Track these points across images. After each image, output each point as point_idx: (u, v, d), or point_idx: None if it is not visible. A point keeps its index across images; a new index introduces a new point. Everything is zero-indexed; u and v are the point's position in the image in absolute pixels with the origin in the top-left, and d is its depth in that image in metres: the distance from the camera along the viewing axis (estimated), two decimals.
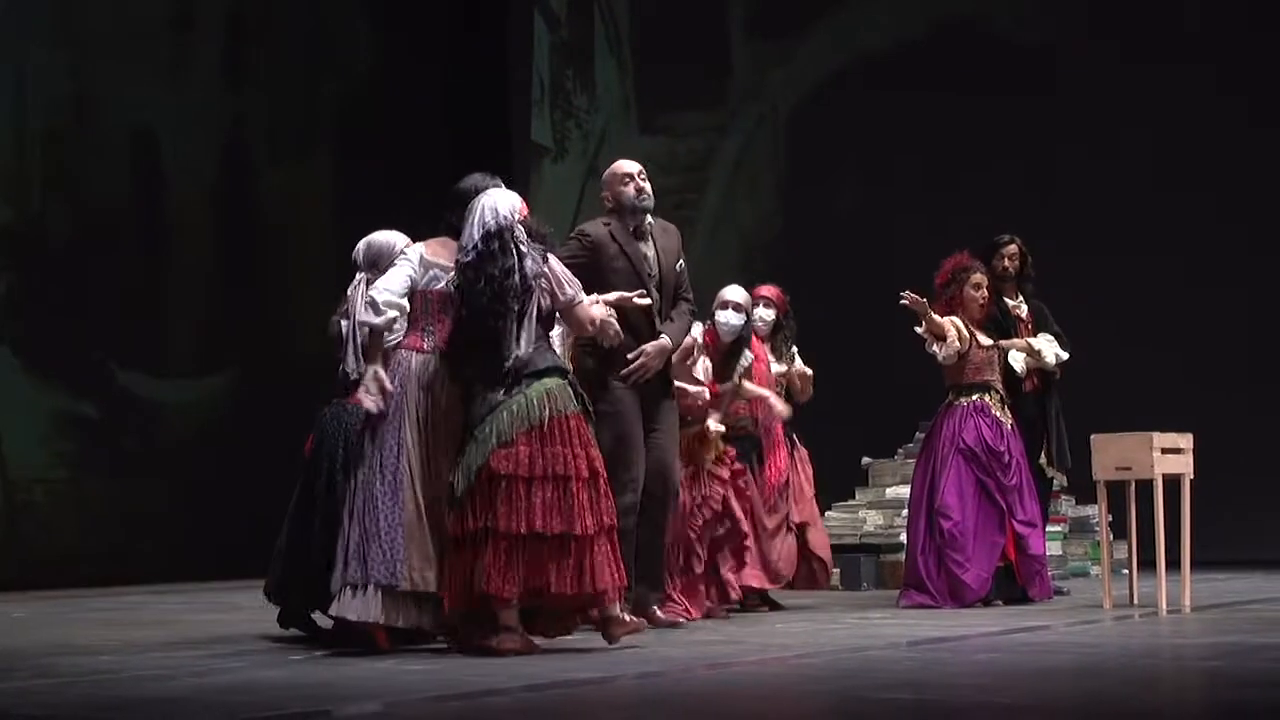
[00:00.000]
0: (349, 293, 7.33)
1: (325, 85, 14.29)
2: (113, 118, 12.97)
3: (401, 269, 6.88)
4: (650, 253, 7.86)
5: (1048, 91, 13.50)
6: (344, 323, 7.31)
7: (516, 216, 6.72)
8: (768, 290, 9.43)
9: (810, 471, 9.62)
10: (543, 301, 6.69)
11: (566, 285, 6.79)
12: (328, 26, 14.33)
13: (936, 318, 8.95)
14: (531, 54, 14.88)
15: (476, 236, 6.66)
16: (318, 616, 7.25)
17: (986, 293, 9.19)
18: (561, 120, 14.78)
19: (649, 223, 7.92)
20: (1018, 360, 9.40)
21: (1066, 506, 11.68)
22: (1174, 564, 8.34)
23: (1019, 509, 8.96)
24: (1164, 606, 8.21)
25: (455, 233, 6.85)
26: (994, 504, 8.95)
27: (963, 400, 9.09)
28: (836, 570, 10.53)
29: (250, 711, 5.19)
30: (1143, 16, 13.39)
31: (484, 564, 6.49)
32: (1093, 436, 8.54)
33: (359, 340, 7.12)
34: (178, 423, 13.16)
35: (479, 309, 6.61)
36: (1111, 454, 8.39)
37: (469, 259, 6.66)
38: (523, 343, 6.62)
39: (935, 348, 9.03)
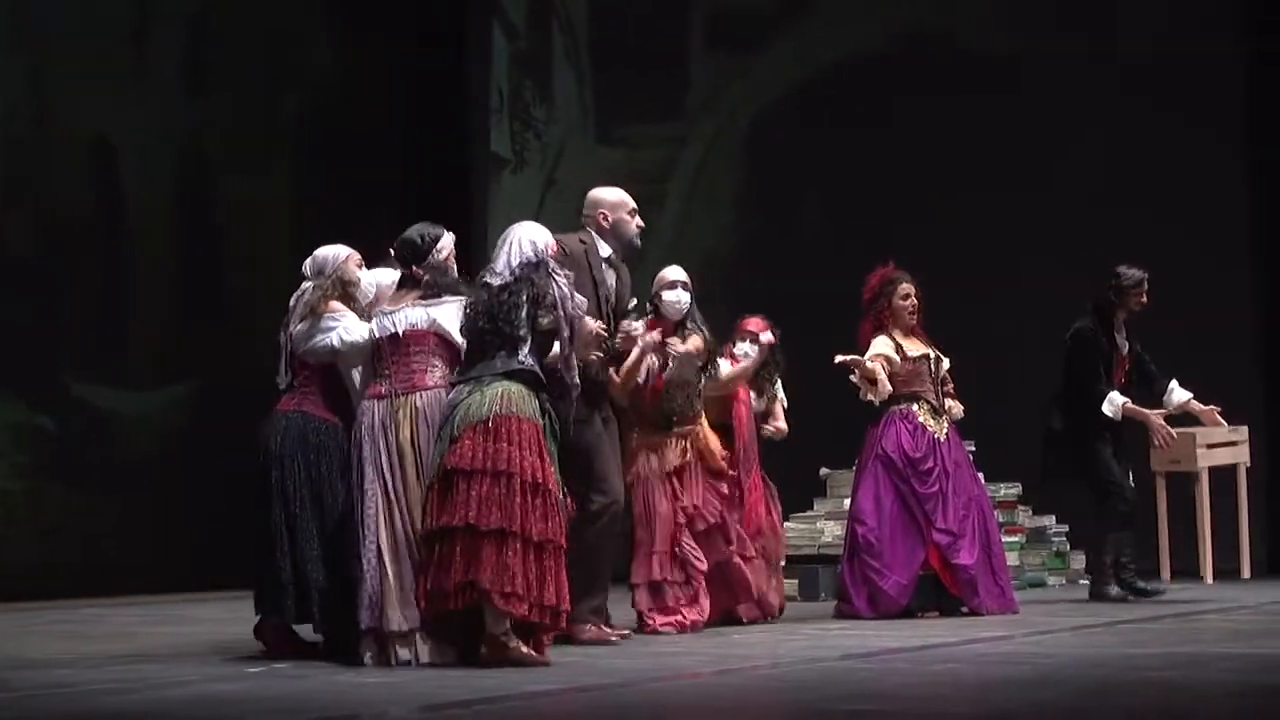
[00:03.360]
0: (291, 302, 7.35)
1: (285, 95, 14.25)
2: (71, 125, 12.89)
3: (362, 328, 7.05)
4: (612, 282, 7.85)
5: (1013, 100, 13.53)
6: (281, 334, 7.33)
7: (550, 251, 6.93)
8: (755, 324, 8.92)
9: (780, 509, 9.38)
10: (575, 324, 6.83)
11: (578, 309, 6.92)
12: (287, 35, 14.29)
13: (869, 365, 8.90)
14: (490, 64, 14.87)
15: (515, 263, 6.81)
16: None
17: (916, 301, 9.16)
18: (520, 131, 14.76)
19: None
20: (1109, 406, 9.42)
21: (1023, 516, 11.69)
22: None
23: (939, 518, 8.91)
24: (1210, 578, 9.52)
25: (415, 282, 6.97)
26: (910, 512, 8.94)
27: (891, 409, 9.08)
28: (794, 581, 10.56)
29: None
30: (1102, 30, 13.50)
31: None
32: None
33: (288, 352, 7.24)
34: (137, 434, 13.08)
35: (491, 325, 6.69)
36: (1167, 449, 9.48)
37: (503, 281, 6.78)
38: (527, 358, 6.70)
39: (870, 396, 8.96)
